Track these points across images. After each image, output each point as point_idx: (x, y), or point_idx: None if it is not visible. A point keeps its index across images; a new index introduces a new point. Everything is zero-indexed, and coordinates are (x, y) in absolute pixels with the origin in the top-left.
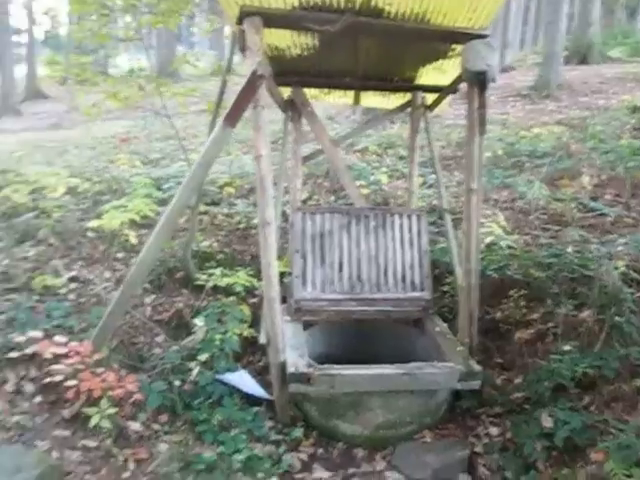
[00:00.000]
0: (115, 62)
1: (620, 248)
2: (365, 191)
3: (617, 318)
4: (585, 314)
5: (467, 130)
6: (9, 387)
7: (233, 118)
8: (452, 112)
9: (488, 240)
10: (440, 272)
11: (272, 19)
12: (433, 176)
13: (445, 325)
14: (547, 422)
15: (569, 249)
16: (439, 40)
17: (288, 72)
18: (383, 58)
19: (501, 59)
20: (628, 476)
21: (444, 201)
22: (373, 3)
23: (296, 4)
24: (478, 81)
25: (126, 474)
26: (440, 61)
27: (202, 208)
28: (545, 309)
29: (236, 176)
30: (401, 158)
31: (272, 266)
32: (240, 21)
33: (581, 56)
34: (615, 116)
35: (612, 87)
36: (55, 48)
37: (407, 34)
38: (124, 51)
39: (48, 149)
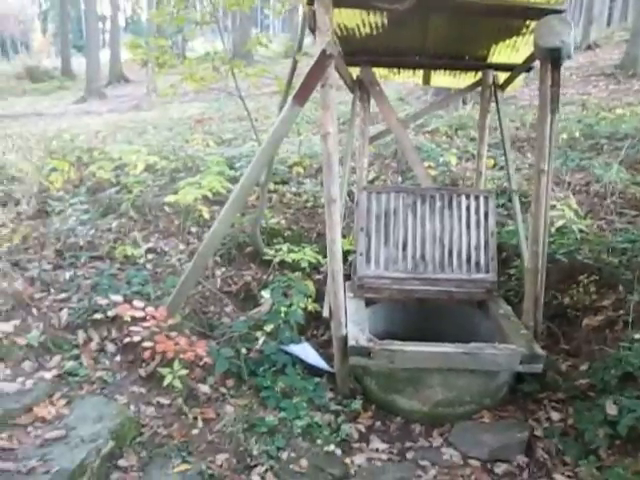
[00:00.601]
0: (192, 46)
1: None
2: (433, 172)
3: None
4: None
5: (539, 109)
6: (93, 346)
7: (302, 97)
8: (528, 92)
9: (559, 223)
10: (507, 255)
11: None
12: (504, 158)
13: (509, 308)
14: (612, 410)
15: None
16: (513, 16)
17: (357, 52)
18: (454, 36)
19: (585, 36)
20: None
21: (513, 182)
22: None
23: None
24: (551, 58)
25: (195, 431)
26: (513, 38)
27: (271, 186)
28: (617, 296)
29: (305, 156)
30: (472, 140)
31: (336, 242)
32: (311, 1)
33: None
34: None
35: None
36: (136, 34)
37: (479, 10)
38: (200, 35)
39: (129, 129)
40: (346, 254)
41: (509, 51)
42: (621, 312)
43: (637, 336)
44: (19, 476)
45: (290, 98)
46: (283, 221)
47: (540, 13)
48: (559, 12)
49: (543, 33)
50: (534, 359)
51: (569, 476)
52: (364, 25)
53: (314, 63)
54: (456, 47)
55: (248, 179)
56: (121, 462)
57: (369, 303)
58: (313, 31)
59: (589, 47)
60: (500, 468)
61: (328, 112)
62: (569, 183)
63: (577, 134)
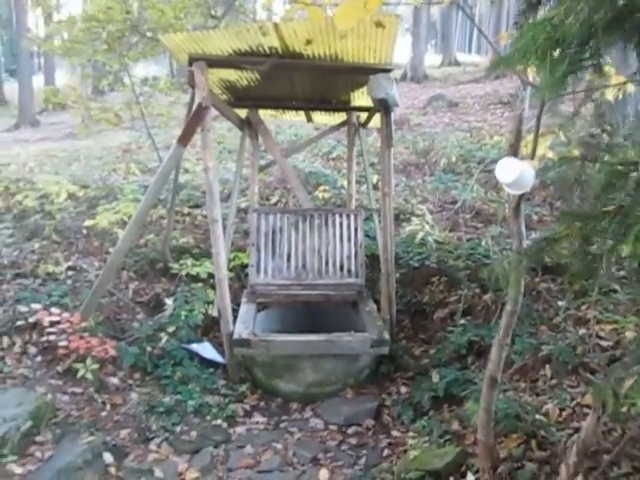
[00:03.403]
0: (132, 71)
1: (527, 242)
2: (328, 195)
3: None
4: (487, 296)
5: (381, 145)
6: (16, 349)
7: (185, 140)
8: (434, 120)
9: (419, 236)
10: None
11: (214, 62)
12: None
13: (375, 306)
14: (436, 378)
15: (483, 243)
16: (355, 73)
17: (243, 97)
18: (317, 86)
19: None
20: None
21: (372, 203)
22: (291, 49)
23: (231, 51)
24: (382, 106)
25: (104, 413)
26: (364, 87)
27: (185, 210)
28: (459, 292)
29: (218, 182)
30: (371, 165)
31: (220, 254)
32: (190, 64)
33: None
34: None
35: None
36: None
37: (328, 69)
38: (140, 62)
39: (59, 159)
40: (245, 266)
41: (364, 97)
42: (459, 305)
43: (462, 322)
44: None
45: (175, 141)
46: (192, 240)
47: (373, 71)
48: (387, 71)
49: (373, 87)
50: (382, 343)
51: (403, 432)
52: (241, 79)
53: (193, 113)
54: (322, 94)
55: (145, 203)
56: (38, 438)
57: (264, 308)
58: (192, 87)
59: (497, 77)
60: (351, 429)
61: (207, 151)
62: (439, 201)
63: (454, 159)
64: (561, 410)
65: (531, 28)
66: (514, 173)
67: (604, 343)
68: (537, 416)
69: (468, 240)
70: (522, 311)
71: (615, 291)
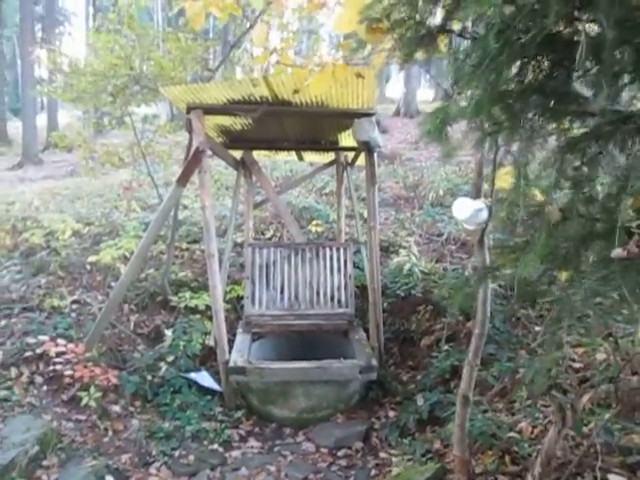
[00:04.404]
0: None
1: (507, 271)
2: (320, 229)
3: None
4: (469, 323)
5: (366, 183)
6: (24, 378)
7: (183, 180)
8: (426, 154)
9: (406, 267)
10: None
11: (210, 110)
12: (382, 214)
13: (364, 334)
14: (420, 402)
15: (466, 273)
16: (340, 117)
17: (237, 140)
18: (306, 128)
19: None
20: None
21: (360, 236)
22: (280, 98)
23: (225, 100)
24: (366, 148)
25: (106, 439)
26: (351, 129)
27: (184, 245)
28: (444, 320)
29: (215, 218)
30: (362, 199)
31: (217, 287)
32: (188, 112)
33: None
34: None
35: None
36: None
37: (315, 114)
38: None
39: (63, 197)
40: (241, 298)
41: (350, 138)
42: (444, 332)
43: (445, 348)
44: None
45: (174, 180)
46: (190, 274)
47: (357, 115)
48: (370, 115)
49: (357, 130)
50: (370, 369)
51: (390, 453)
52: (235, 124)
53: (191, 157)
54: (311, 135)
55: (146, 240)
56: (44, 462)
57: (259, 337)
58: (190, 132)
59: None
60: (341, 452)
61: (204, 190)
62: (427, 234)
63: (441, 192)
64: (533, 427)
65: (431, 113)
66: (467, 211)
67: (576, 365)
68: (512, 433)
69: (453, 270)
70: (502, 337)
71: (588, 316)
